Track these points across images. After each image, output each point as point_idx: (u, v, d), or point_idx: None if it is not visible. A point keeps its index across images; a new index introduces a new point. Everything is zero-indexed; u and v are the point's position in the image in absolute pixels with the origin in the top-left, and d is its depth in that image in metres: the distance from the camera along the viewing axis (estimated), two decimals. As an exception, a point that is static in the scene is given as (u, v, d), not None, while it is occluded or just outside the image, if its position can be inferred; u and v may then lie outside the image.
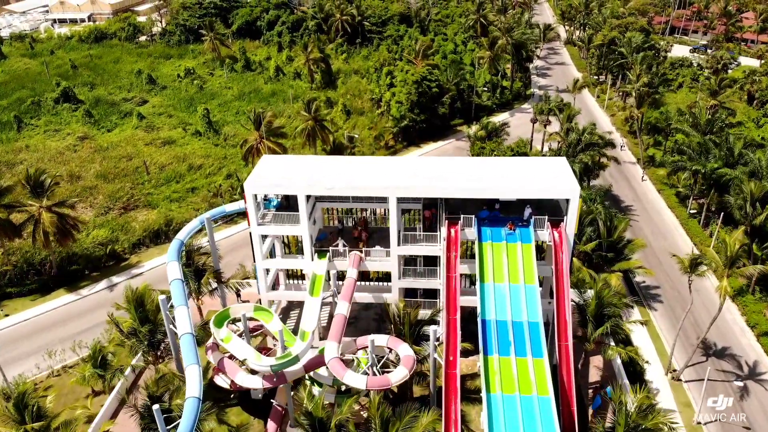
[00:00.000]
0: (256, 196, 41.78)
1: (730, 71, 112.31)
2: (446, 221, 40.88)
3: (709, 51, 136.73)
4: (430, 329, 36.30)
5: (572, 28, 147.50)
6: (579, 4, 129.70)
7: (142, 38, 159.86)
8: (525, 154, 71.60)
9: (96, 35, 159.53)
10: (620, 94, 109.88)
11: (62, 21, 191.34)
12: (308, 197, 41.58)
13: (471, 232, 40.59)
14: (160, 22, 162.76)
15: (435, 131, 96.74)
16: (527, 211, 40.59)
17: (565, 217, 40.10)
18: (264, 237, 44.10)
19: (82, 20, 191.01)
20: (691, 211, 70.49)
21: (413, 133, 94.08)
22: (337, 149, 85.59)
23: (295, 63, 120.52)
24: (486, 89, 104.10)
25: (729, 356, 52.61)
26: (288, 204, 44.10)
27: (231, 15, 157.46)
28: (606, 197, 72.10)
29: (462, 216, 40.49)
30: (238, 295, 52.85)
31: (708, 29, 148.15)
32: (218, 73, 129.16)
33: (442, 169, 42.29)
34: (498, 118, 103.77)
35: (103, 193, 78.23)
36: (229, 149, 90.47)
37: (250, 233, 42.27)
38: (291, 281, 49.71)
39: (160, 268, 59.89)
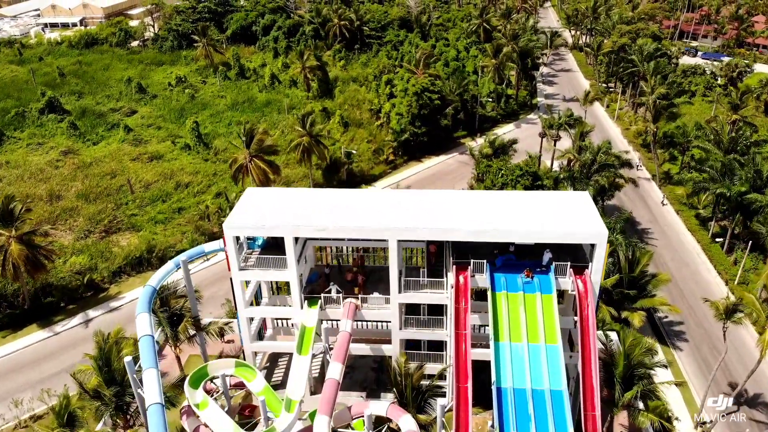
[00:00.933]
0: (238, 237, 36.89)
1: (744, 79, 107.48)
2: (453, 266, 35.96)
3: (699, 53, 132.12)
4: (437, 404, 31.38)
5: (578, 32, 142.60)
6: (586, 8, 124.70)
7: (135, 43, 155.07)
8: (535, 174, 66.55)
9: (86, 41, 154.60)
10: (632, 104, 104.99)
11: (53, 25, 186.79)
12: (297, 239, 36.67)
13: (482, 279, 35.69)
14: (153, 26, 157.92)
15: (437, 144, 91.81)
16: (546, 256, 35.67)
17: (590, 263, 35.17)
18: (248, 282, 39.24)
19: (74, 24, 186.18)
20: (717, 240, 65.44)
21: (414, 146, 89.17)
22: (334, 165, 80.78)
23: (291, 71, 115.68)
24: (490, 99, 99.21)
25: (762, 405, 47.72)
26: (276, 242, 39.15)
27: (225, 20, 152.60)
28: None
29: (472, 261, 35.58)
30: (222, 336, 48.00)
31: (718, 34, 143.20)
32: (211, 81, 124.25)
33: (449, 207, 37.33)
34: (503, 130, 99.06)
35: (84, 215, 73.22)
36: (220, 165, 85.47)
37: (231, 278, 37.37)
38: (280, 323, 44.79)
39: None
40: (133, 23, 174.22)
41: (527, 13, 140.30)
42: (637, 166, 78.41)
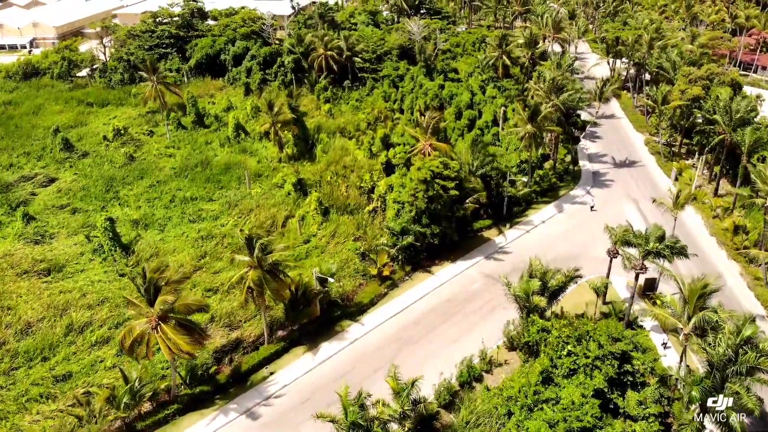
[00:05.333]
0: None
1: None
2: None
3: None
4: None
5: (616, 63, 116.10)
6: (636, 41, 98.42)
7: (83, 72, 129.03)
8: (624, 355, 40.68)
9: (26, 71, 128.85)
10: (708, 174, 78.98)
11: (0, 48, 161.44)
12: None
13: None
14: (104, 53, 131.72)
15: (451, 241, 65.52)
16: None
17: None
18: None
19: (23, 46, 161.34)
20: None
21: (421, 251, 63.08)
22: (304, 299, 54.53)
23: (260, 125, 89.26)
24: (524, 177, 72.96)
25: None
26: None
27: (189, 46, 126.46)
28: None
29: None
30: None
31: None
32: (160, 131, 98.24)
33: None
34: (540, 215, 73.10)
35: None
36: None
37: None
38: None
39: None
40: (88, 46, 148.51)
41: (563, 48, 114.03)
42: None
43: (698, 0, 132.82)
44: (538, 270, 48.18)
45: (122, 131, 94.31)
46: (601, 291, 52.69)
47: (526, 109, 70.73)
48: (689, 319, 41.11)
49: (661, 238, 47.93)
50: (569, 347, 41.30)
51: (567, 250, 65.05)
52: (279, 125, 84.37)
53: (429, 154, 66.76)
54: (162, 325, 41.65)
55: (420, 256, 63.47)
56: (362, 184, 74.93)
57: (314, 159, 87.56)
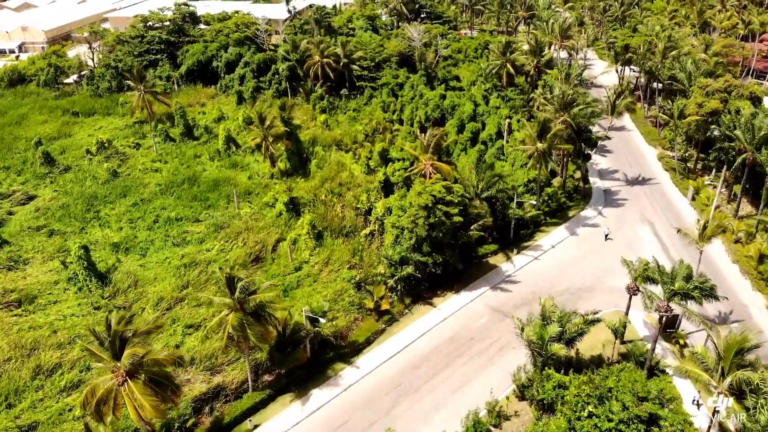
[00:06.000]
0: None
1: None
2: None
3: None
4: None
5: (624, 70, 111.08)
6: (648, 49, 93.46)
7: (70, 79, 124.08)
8: (651, 418, 35.90)
9: (11, 78, 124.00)
10: (727, 193, 74.10)
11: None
12: None
13: None
14: (92, 59, 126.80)
15: (454, 270, 60.62)
16: None
17: None
18: None
19: (12, 51, 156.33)
20: None
21: (422, 281, 58.18)
22: (292, 340, 49.68)
23: (250, 139, 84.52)
24: (530, 191, 68.10)
25: None
26: None
27: (180, 52, 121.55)
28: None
29: None
30: None
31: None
32: (147, 144, 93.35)
33: None
34: (550, 239, 68.28)
35: None
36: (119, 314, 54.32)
37: None
38: None
39: None
40: (77, 51, 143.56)
41: (570, 56, 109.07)
42: None
43: (708, 5, 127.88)
44: (551, 312, 43.34)
45: (106, 144, 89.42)
46: (619, 331, 47.89)
47: (532, 120, 65.81)
48: (723, 375, 36.32)
49: (689, 277, 43.11)
50: (590, 408, 36.48)
51: (580, 280, 60.24)
52: (271, 139, 79.56)
53: (430, 176, 61.95)
54: (129, 381, 36.79)
55: (421, 287, 58.63)
56: (359, 205, 70.08)
57: (308, 174, 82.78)
